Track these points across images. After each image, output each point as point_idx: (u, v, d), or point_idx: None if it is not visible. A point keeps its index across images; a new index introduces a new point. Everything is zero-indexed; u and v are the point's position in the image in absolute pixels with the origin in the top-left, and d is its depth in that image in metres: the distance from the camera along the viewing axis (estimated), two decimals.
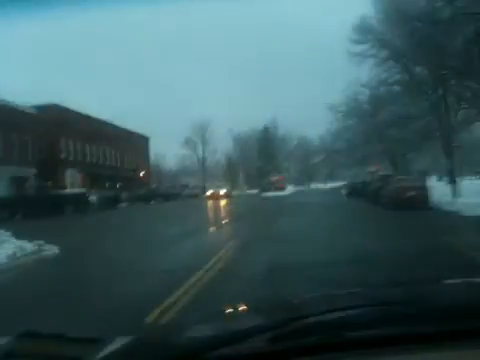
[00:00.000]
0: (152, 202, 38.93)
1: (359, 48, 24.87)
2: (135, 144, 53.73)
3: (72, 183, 37.38)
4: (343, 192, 36.22)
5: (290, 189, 55.01)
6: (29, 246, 9.74)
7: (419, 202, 17.04)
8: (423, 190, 18.45)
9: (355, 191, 30.53)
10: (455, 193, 19.72)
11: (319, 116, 58.36)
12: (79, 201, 27.31)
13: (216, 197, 40.91)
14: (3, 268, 8.16)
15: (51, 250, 9.81)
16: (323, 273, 6.09)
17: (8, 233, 10.41)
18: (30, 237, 10.28)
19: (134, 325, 4.04)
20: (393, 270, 6.09)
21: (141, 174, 52.84)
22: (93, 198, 29.21)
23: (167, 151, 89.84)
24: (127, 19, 75.33)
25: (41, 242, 10.15)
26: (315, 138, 64.81)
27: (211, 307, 3.93)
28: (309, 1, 70.97)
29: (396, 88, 26.64)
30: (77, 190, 31.46)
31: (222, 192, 44.27)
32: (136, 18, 78.43)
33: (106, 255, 9.54)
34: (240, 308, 1.49)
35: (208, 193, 44.96)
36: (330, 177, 71.56)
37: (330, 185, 60.57)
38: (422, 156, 37.52)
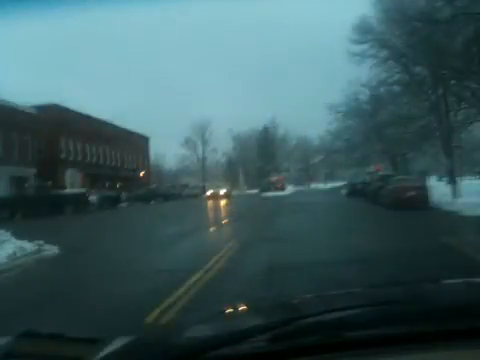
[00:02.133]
0: (152, 202, 38.94)
1: (359, 48, 24.88)
2: (135, 144, 53.77)
3: (72, 183, 37.40)
4: (343, 192, 36.22)
5: (290, 189, 55.00)
6: (29, 246, 9.74)
7: (419, 202, 17.04)
8: (423, 190, 18.45)
9: (355, 191, 30.54)
10: (455, 193, 19.72)
11: (319, 116, 58.38)
12: (79, 201, 27.32)
13: (216, 197, 40.93)
14: (3, 268, 8.16)
15: (51, 250, 9.82)
16: (323, 273, 6.09)
17: (8, 233, 10.41)
18: (30, 237, 10.28)
19: (134, 325, 4.05)
20: (393, 270, 6.09)
21: (141, 174, 52.87)
22: (93, 198, 29.22)
23: (167, 151, 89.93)
24: (127, 19, 75.37)
25: (41, 242, 10.15)
26: (315, 138, 64.82)
27: (211, 307, 3.93)
28: (309, 1, 70.93)
29: (396, 88, 26.64)
30: (77, 190, 31.48)
31: (222, 192, 44.29)
32: (136, 18, 78.41)
33: (106, 255, 9.54)
34: (240, 308, 1.49)
35: (208, 193, 44.98)
36: (330, 177, 71.51)
37: (330, 185, 60.51)
38: (422, 156, 37.52)
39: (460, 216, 13.59)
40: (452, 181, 21.03)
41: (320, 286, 5.23)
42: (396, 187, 18.34)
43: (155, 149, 65.42)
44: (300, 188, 61.84)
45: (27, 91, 57.64)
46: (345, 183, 41.44)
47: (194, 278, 6.30)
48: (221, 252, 8.59)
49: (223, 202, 34.69)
